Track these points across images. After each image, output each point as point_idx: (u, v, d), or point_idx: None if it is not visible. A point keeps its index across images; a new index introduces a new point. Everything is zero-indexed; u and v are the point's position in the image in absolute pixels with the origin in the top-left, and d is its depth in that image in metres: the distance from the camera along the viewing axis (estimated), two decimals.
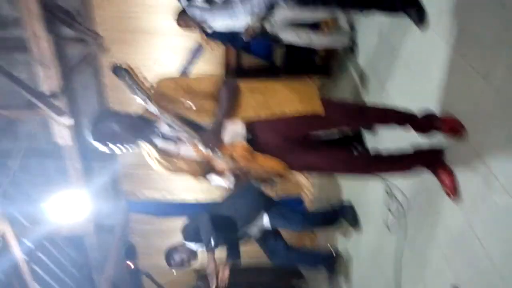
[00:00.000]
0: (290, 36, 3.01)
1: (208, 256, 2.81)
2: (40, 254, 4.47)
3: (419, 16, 2.19)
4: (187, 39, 3.88)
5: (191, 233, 2.98)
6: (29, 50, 3.03)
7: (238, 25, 2.81)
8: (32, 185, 4.73)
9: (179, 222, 3.49)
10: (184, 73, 3.95)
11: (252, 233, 3.19)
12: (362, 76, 3.10)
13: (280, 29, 2.94)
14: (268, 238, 3.30)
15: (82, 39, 3.76)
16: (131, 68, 1.34)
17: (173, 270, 3.05)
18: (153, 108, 1.48)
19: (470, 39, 1.87)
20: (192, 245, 3.00)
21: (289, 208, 3.31)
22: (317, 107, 1.77)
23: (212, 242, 2.77)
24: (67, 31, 3.78)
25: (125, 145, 1.70)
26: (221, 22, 2.82)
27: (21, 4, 2.69)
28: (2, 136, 4.15)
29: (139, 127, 1.71)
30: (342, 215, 3.35)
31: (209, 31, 2.98)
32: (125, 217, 5.08)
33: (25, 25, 2.80)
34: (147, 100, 1.43)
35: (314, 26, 3.24)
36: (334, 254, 3.59)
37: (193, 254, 3.02)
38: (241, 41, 3.11)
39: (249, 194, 3.17)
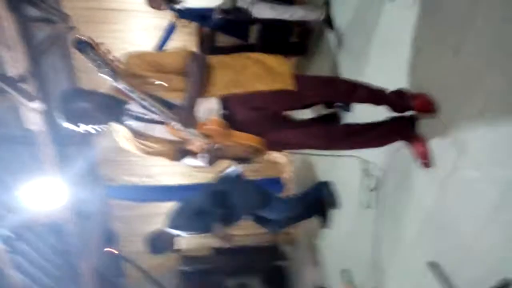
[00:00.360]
0: (263, 10, 2.95)
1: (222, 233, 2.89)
2: (19, 242, 4.38)
3: None
4: (159, 17, 3.76)
5: (183, 221, 2.95)
6: None
7: (210, 2, 2.73)
8: (6, 172, 4.60)
9: (160, 207, 3.47)
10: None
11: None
12: (339, 48, 3.07)
13: (253, 4, 2.87)
14: (260, 218, 3.31)
15: (49, 19, 3.59)
16: (95, 42, 1.27)
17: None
18: (121, 85, 1.41)
19: (441, 15, 1.86)
20: (174, 232, 2.96)
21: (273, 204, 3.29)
22: (288, 83, 1.74)
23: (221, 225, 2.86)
24: (32, 11, 3.61)
25: (96, 125, 1.63)
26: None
27: None
28: None
29: (111, 107, 1.65)
30: (320, 195, 3.35)
31: (180, 7, 2.88)
32: (104, 203, 5.01)
33: None
34: (114, 76, 1.35)
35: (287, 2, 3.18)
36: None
37: (173, 241, 2.98)
38: (214, 19, 3.03)
39: (244, 190, 3.19)
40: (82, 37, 1.23)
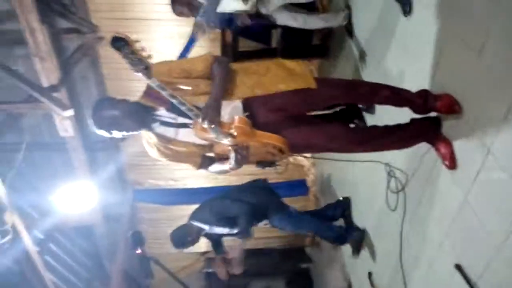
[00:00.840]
0: (285, 19, 2.98)
1: (242, 244, 2.94)
2: (51, 245, 4.57)
3: (404, 4, 2.26)
4: (183, 25, 3.86)
5: (212, 215, 3.06)
6: (26, 43, 3.03)
7: (232, 9, 2.79)
8: (39, 178, 4.81)
9: (185, 209, 3.55)
10: (181, 58, 3.93)
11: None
12: (361, 55, 3.07)
13: (276, 11, 2.91)
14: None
15: (78, 30, 3.75)
16: (131, 39, 1.28)
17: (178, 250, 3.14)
18: (154, 83, 1.44)
19: (463, 15, 1.84)
20: (203, 226, 3.06)
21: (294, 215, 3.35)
22: (310, 82, 1.79)
23: (252, 232, 2.95)
24: (62, 22, 3.78)
25: (126, 131, 1.72)
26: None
27: None
28: (7, 130, 4.19)
29: (139, 114, 1.72)
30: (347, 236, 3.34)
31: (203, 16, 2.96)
32: (132, 206, 5.15)
33: (19, 18, 2.80)
34: (148, 73, 1.37)
35: (310, 7, 3.20)
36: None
37: (200, 233, 3.08)
38: (236, 24, 3.09)
39: (267, 193, 3.31)
40: (120, 35, 1.26)
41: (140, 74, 1.37)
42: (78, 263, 5.12)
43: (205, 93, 1.70)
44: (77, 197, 3.71)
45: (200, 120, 1.57)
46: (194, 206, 3.42)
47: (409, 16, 2.28)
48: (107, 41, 3.67)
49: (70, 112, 3.14)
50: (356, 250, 3.29)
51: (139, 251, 2.04)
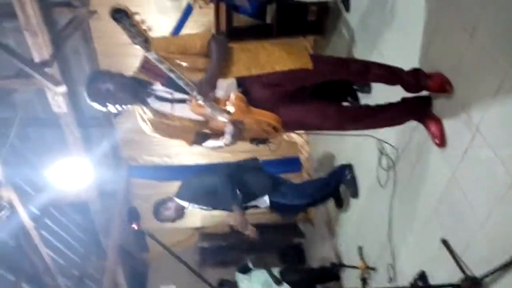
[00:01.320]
0: None
1: (238, 213, 2.87)
2: (47, 220, 4.61)
3: None
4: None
5: (191, 193, 3.03)
6: (16, 16, 2.96)
7: None
8: (34, 154, 4.80)
9: None
10: (175, 34, 3.89)
11: (259, 204, 3.23)
12: (356, 32, 3.06)
13: None
14: (276, 206, 3.32)
15: (69, 3, 3.67)
16: (131, 11, 1.28)
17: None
18: (153, 55, 1.44)
19: None
20: (184, 203, 3.04)
21: (290, 188, 3.32)
22: (306, 62, 1.80)
23: (240, 198, 2.86)
24: None
25: (121, 105, 1.72)
26: None
27: None
28: None
29: (134, 87, 1.72)
30: (342, 180, 3.33)
31: None
32: (127, 182, 5.18)
33: None
34: (147, 46, 1.37)
35: None
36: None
37: (182, 211, 3.07)
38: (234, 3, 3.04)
39: (257, 172, 3.21)
40: (120, 6, 1.25)
41: (139, 46, 1.36)
42: (74, 238, 5.19)
43: (202, 69, 1.71)
44: (72, 174, 3.71)
45: (195, 94, 1.58)
46: None
47: None
48: (105, 13, 3.62)
49: (62, 88, 3.11)
50: (354, 189, 3.23)
51: (135, 226, 2.07)
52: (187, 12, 3.82)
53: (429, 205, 2.14)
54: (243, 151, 4.15)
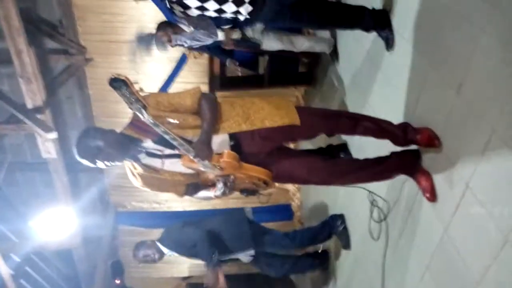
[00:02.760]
0: (272, 42, 3.04)
1: (211, 271, 2.85)
2: (28, 269, 4.42)
3: (387, 40, 2.32)
4: (171, 49, 3.90)
5: (171, 241, 3.03)
6: (12, 62, 3.01)
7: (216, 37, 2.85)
8: (20, 200, 4.70)
9: None
10: (169, 83, 3.97)
11: (241, 257, 3.22)
12: (345, 85, 3.14)
13: (261, 35, 2.98)
14: (260, 262, 3.31)
15: (66, 51, 3.76)
16: (129, 81, 1.34)
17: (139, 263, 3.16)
18: (150, 120, 1.49)
19: (442, 53, 1.91)
20: (164, 249, 3.04)
21: (277, 237, 3.32)
22: (293, 119, 1.83)
23: (215, 259, 2.84)
24: (50, 43, 3.78)
25: (110, 161, 1.71)
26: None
27: (1, 17, 2.68)
28: None
29: (124, 145, 1.72)
30: (333, 230, 3.29)
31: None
32: (113, 229, 5.05)
33: (5, 39, 2.79)
34: (144, 111, 1.43)
35: (296, 31, 3.28)
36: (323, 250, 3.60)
37: (160, 255, 3.06)
38: (222, 51, 3.14)
39: (239, 224, 3.19)
40: (120, 76, 1.30)
41: (136, 112, 1.43)
42: (55, 287, 4.96)
43: (193, 127, 1.73)
44: (56, 223, 3.64)
45: (192, 156, 1.64)
46: None
47: (392, 50, 2.36)
48: (101, 60, 3.72)
49: (53, 135, 3.10)
50: (346, 240, 3.18)
51: (118, 281, 1.98)
52: (181, 61, 3.93)
53: (423, 260, 2.09)
54: (233, 198, 4.10)
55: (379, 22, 2.32)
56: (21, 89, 3.11)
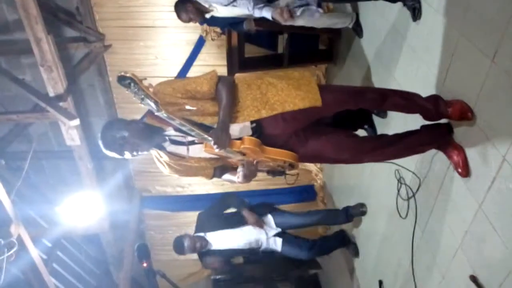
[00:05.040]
0: (295, 21, 2.95)
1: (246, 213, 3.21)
2: (59, 252, 4.57)
3: (413, 10, 2.19)
4: (188, 31, 3.85)
5: (205, 222, 3.18)
6: (33, 52, 3.03)
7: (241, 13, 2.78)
8: (48, 187, 4.82)
9: (193, 216, 3.53)
10: (188, 66, 3.93)
11: (270, 245, 3.33)
12: (366, 60, 3.03)
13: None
14: (291, 243, 3.38)
15: (85, 38, 3.76)
16: (136, 76, 1.33)
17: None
18: (164, 115, 1.48)
19: (475, 20, 1.79)
20: (200, 234, 3.12)
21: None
22: (315, 99, 1.76)
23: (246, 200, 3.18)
24: (68, 31, 3.79)
25: (137, 151, 1.70)
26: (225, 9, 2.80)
27: (19, 6, 2.69)
28: (14, 139, 4.21)
29: (148, 134, 1.72)
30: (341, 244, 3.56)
31: (208, 16, 2.93)
32: (139, 213, 5.14)
33: (25, 28, 2.80)
34: (157, 106, 1.42)
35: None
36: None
37: (204, 242, 3.10)
38: (243, 29, 3.06)
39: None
40: (126, 74, 1.29)
41: (149, 107, 1.42)
42: (86, 271, 5.12)
43: (212, 113, 1.70)
44: (83, 208, 3.71)
45: (211, 144, 1.62)
46: None
47: (419, 20, 2.24)
48: (120, 46, 3.71)
49: (76, 122, 3.13)
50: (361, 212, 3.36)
51: (145, 264, 2.00)
52: (199, 44, 3.88)
53: (455, 238, 2.03)
54: (258, 179, 4.09)
55: None
56: (43, 78, 3.14)
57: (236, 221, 3.24)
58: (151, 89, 1.39)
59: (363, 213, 3.34)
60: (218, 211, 3.33)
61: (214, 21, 3.06)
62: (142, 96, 1.35)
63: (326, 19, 3.08)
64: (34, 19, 2.72)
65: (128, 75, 1.29)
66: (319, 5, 2.85)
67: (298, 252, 3.40)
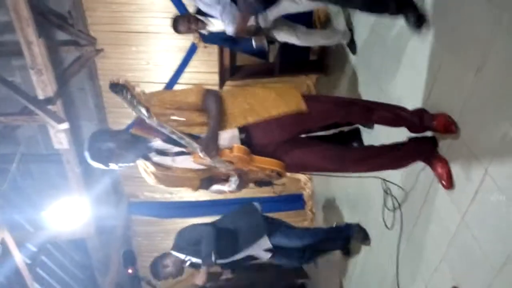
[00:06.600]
0: (286, 36, 2.99)
1: (202, 269, 2.83)
2: (44, 258, 4.50)
3: (417, 21, 2.12)
4: (181, 38, 3.86)
5: (184, 243, 2.89)
6: (23, 54, 3.02)
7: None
8: (35, 191, 4.76)
9: (182, 223, 3.51)
10: (179, 73, 3.95)
11: (259, 256, 3.11)
12: (355, 71, 3.07)
13: (275, 29, 2.92)
14: (279, 256, 3.19)
15: (76, 42, 3.75)
16: (128, 83, 1.33)
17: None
18: (153, 121, 1.48)
19: (460, 37, 1.84)
20: (179, 255, 2.88)
21: (290, 229, 3.23)
22: (299, 105, 1.78)
23: (213, 258, 2.75)
24: (59, 34, 3.78)
25: (123, 163, 1.71)
26: (218, 23, 2.83)
27: (11, 9, 2.68)
28: (1, 141, 4.16)
29: (135, 145, 1.72)
30: (349, 234, 3.20)
31: (204, 32, 2.97)
32: (127, 219, 5.09)
33: (16, 30, 2.79)
34: (148, 114, 1.42)
35: (307, 23, 3.21)
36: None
37: (180, 266, 2.89)
38: (234, 40, 3.09)
39: (252, 216, 3.10)
40: (119, 81, 1.30)
41: (140, 115, 1.42)
42: (70, 276, 5.05)
43: (199, 123, 1.71)
44: (70, 213, 3.68)
45: (200, 154, 1.63)
46: (190, 220, 3.37)
47: (416, 35, 2.18)
48: (111, 51, 3.68)
49: (65, 125, 3.11)
50: (365, 238, 3.10)
51: (130, 271, 1.99)
52: (192, 51, 3.89)
53: (439, 249, 2.05)
54: (246, 188, 4.09)
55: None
56: (33, 81, 3.13)
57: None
58: (142, 97, 1.40)
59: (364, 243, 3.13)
60: (195, 237, 2.92)
61: (211, 38, 3.10)
62: (134, 103, 1.36)
63: (320, 39, 3.11)
64: (26, 22, 2.72)
65: (120, 82, 1.30)
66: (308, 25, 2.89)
67: (289, 262, 3.28)
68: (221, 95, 1.80)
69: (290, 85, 1.90)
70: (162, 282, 2.99)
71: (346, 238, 3.22)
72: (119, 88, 1.30)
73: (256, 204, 3.18)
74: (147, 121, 1.46)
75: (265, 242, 3.03)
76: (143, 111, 1.39)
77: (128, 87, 1.31)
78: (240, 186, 1.81)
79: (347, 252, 3.42)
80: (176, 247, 2.90)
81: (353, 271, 3.45)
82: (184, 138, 1.59)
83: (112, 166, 1.69)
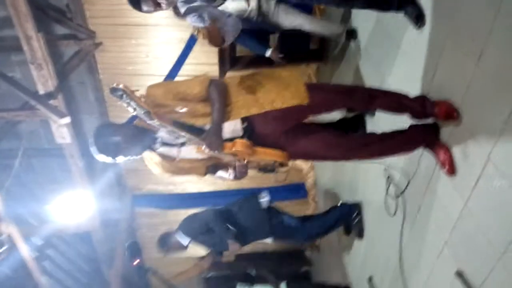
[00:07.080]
0: (285, 18, 2.97)
1: (207, 258, 2.96)
2: (50, 250, 4.55)
3: (417, 16, 2.13)
4: (180, 29, 3.85)
5: (193, 230, 3.01)
6: (23, 49, 3.01)
7: (234, 9, 2.79)
8: (38, 185, 4.79)
9: (185, 214, 3.52)
10: (179, 64, 3.93)
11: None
12: (356, 59, 3.06)
13: (277, 12, 2.91)
14: (283, 238, 3.29)
15: (75, 36, 3.74)
16: (128, 88, 1.36)
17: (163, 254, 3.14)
18: (154, 122, 1.50)
19: (461, 25, 1.84)
20: (183, 239, 3.01)
21: (292, 223, 3.26)
22: (303, 97, 1.79)
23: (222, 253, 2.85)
24: (58, 28, 3.76)
25: (130, 155, 1.72)
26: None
27: (9, 4, 2.66)
28: (3, 136, 4.17)
29: (140, 137, 1.73)
30: (346, 218, 3.29)
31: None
32: (131, 211, 5.13)
33: (15, 26, 2.78)
34: (148, 116, 1.46)
35: (308, 11, 3.19)
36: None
37: (183, 246, 3.04)
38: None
39: (256, 214, 3.14)
40: (119, 86, 1.32)
41: (141, 117, 1.46)
42: (77, 268, 5.11)
43: (203, 114, 1.71)
44: (74, 206, 3.70)
45: (203, 147, 1.65)
46: (193, 211, 3.39)
47: (419, 27, 2.17)
48: (110, 45, 3.64)
49: (66, 120, 3.11)
50: (360, 230, 3.23)
51: (135, 262, 2.01)
52: (191, 42, 3.87)
53: (442, 235, 2.07)
54: (249, 177, 4.11)
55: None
56: (33, 76, 3.12)
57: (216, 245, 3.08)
58: (142, 99, 1.43)
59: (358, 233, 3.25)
60: (200, 229, 3.05)
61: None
62: (134, 106, 1.39)
63: (318, 26, 3.10)
64: (24, 17, 2.70)
65: (120, 87, 1.32)
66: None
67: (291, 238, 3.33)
68: (226, 84, 1.79)
69: (296, 73, 1.87)
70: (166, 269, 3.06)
71: (347, 218, 3.28)
72: (118, 93, 1.33)
73: (263, 196, 3.18)
74: (148, 122, 1.49)
75: (269, 240, 3.17)
76: (143, 114, 1.43)
77: (128, 91, 1.34)
78: (240, 177, 1.83)
79: (349, 232, 3.43)
80: (182, 228, 3.03)
81: (356, 258, 3.49)
82: (186, 134, 1.61)
83: (119, 159, 1.70)
